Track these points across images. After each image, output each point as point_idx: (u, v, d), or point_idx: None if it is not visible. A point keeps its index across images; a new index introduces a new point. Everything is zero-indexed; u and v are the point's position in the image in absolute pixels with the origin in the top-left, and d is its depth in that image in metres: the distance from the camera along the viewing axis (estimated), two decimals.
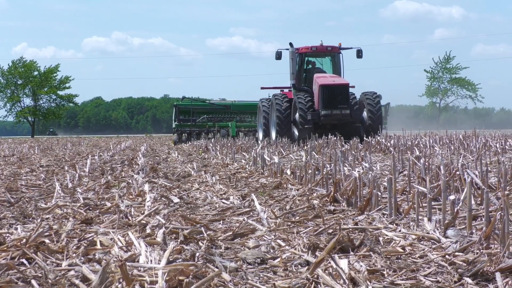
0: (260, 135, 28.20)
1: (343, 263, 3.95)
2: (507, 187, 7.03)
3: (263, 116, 27.37)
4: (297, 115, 25.30)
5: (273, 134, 26.31)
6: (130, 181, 9.69)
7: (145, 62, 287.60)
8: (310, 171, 8.81)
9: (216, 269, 4.01)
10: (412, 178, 8.03)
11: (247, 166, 12.73)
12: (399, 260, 4.30)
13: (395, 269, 4.08)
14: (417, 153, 12.66)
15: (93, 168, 12.65)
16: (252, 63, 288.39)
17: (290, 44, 26.46)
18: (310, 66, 27.64)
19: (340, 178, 7.40)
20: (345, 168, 8.93)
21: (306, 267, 4.14)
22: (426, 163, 8.85)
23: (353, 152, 13.49)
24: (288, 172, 10.07)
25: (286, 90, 27.94)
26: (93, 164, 13.57)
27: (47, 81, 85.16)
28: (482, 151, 14.46)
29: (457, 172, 7.61)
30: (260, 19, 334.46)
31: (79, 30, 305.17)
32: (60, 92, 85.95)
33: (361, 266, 4.08)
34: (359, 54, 27.37)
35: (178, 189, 9.04)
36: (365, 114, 25.70)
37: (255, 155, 13.09)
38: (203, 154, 19.70)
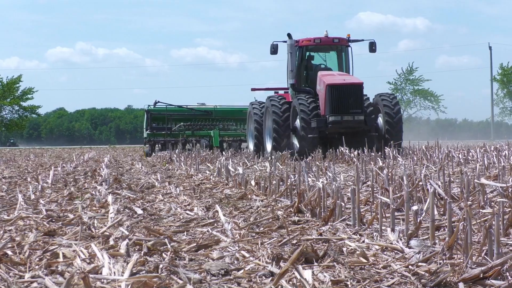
0: (251, 146, 24.46)
1: (307, 274, 3.95)
2: (470, 198, 7.09)
3: (255, 123, 23.25)
4: (297, 122, 21.24)
5: (268, 145, 22.42)
6: (93, 192, 9.62)
7: (110, 72, 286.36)
8: (274, 182, 8.83)
9: (180, 281, 4.00)
10: (375, 189, 8.07)
11: (211, 177, 12.71)
12: (363, 271, 4.31)
13: (359, 279, 4.09)
14: (380, 163, 12.73)
15: (56, 180, 12.54)
16: (218, 74, 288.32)
17: (289, 35, 22.27)
18: (312, 62, 23.33)
19: (304, 189, 7.42)
20: (309, 179, 8.95)
21: (270, 278, 4.14)
22: (389, 174, 8.90)
23: (317, 163, 13.53)
24: (253, 183, 10.07)
25: (281, 92, 23.80)
26: (56, 175, 13.46)
27: (10, 92, 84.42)
28: (445, 161, 14.58)
29: (420, 183, 7.67)
30: (225, 30, 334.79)
31: (43, 41, 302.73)
32: (23, 103, 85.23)
33: (325, 276, 4.08)
34: (372, 47, 23.16)
35: (141, 201, 9.00)
36: (380, 120, 21.54)
37: (219, 166, 13.08)
38: (167, 165, 19.64)
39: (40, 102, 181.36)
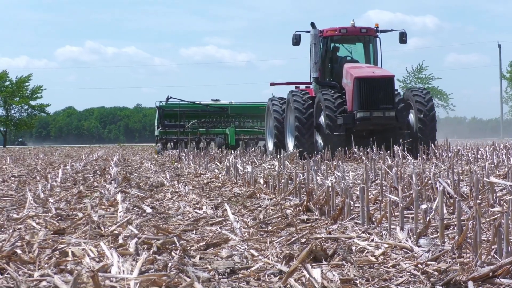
0: (270, 144, 22.95)
1: (316, 272, 3.95)
2: (479, 196, 7.08)
3: (275, 120, 21.91)
4: (322, 118, 19.83)
5: (290, 144, 21.08)
6: (102, 191, 9.64)
7: (118, 71, 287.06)
8: (283, 180, 8.82)
9: (188, 279, 4.00)
10: (384, 187, 8.06)
11: (220, 176, 12.72)
12: (372, 269, 4.31)
13: (368, 278, 4.09)
14: (389, 162, 12.70)
15: (65, 178, 12.57)
16: (227, 73, 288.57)
17: (312, 24, 20.67)
18: (337, 54, 21.75)
19: (313, 188, 7.41)
20: (318, 178, 8.95)
21: (279, 277, 4.14)
22: (398, 172, 8.89)
23: (326, 162, 13.52)
24: (261, 181, 10.07)
25: (302, 87, 22.34)
26: (65, 174, 13.49)
27: (19, 91, 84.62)
28: (454, 160, 14.55)
29: (429, 181, 7.65)
30: (233, 28, 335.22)
31: (52, 40, 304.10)
32: (32, 102, 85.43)
33: (334, 275, 4.08)
34: (403, 37, 21.59)
35: (150, 199, 9.01)
36: (411, 116, 20.03)
37: (228, 165, 13.09)
38: (175, 163, 19.66)
39: (49, 101, 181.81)
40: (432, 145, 18.38)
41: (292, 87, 22.40)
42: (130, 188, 10.44)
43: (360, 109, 19.04)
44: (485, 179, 7.48)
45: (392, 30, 21.82)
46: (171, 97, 31.42)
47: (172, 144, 30.01)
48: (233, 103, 31.56)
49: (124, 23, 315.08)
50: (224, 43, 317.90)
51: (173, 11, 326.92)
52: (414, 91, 20.16)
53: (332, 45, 21.51)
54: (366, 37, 21.40)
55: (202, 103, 31.67)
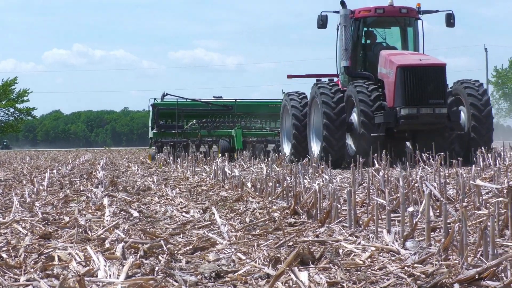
0: (287, 148, 19.26)
1: (303, 275, 3.95)
2: (465, 199, 7.10)
3: (293, 117, 18.08)
4: (354, 116, 16.49)
5: (315, 147, 17.26)
6: (89, 195, 9.62)
7: (106, 74, 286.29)
8: (270, 184, 8.82)
9: (175, 283, 4.00)
10: (371, 191, 8.07)
11: (207, 179, 12.71)
12: (359, 272, 4.31)
13: (355, 281, 4.09)
14: (376, 165, 12.73)
15: (52, 182, 12.53)
16: (216, 76, 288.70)
17: (342, 3, 17.20)
18: (370, 39, 18.09)
19: (300, 191, 7.42)
20: (305, 181, 8.96)
21: (266, 280, 4.14)
22: (385, 176, 8.91)
23: (314, 165, 13.52)
24: (249, 185, 10.07)
25: (324, 80, 18.44)
26: (52, 178, 13.45)
27: (5, 94, 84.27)
28: (441, 163, 14.57)
29: (416, 184, 7.67)
30: (222, 32, 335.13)
31: (40, 43, 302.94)
32: (18, 105, 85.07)
33: (321, 278, 4.09)
34: (450, 20, 17.80)
35: (138, 203, 8.99)
36: (463, 114, 16.76)
37: (215, 168, 13.08)
38: (163, 167, 19.63)
39: (36, 104, 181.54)
40: (486, 148, 15.31)
41: (313, 81, 18.47)
42: (117, 192, 10.42)
43: (404, 104, 15.59)
44: (471, 182, 7.51)
45: (437, 11, 18.16)
46: (167, 94, 27.08)
47: (168, 147, 25.70)
48: (238, 100, 27.39)
49: (113, 25, 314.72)
50: (213, 46, 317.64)
51: (162, 14, 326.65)
52: (464, 83, 17.00)
53: (364, 29, 17.88)
54: (406, 19, 17.77)
55: (203, 100, 27.68)
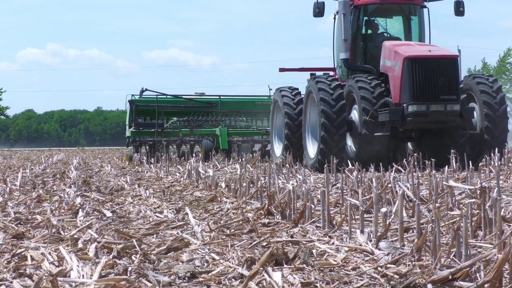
0: (278, 149, 17.62)
1: (277, 276, 3.96)
2: (438, 200, 7.14)
3: (286, 116, 16.45)
4: (354, 113, 15.04)
5: (311, 149, 15.65)
6: (62, 195, 9.56)
7: (80, 73, 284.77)
8: (244, 184, 8.82)
9: (149, 284, 3.98)
10: (345, 191, 8.09)
11: (181, 179, 12.68)
12: (333, 272, 4.32)
13: (328, 281, 4.10)
14: (350, 165, 12.76)
15: (24, 182, 12.44)
16: (190, 76, 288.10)
17: None
18: (371, 29, 16.57)
19: (274, 191, 7.42)
20: (279, 181, 8.96)
21: (240, 280, 4.13)
22: (359, 176, 8.93)
23: (287, 165, 13.55)
24: (223, 185, 10.06)
25: (320, 74, 16.45)
26: (24, 177, 13.35)
27: None
28: (414, 164, 14.61)
29: (389, 185, 7.71)
30: (197, 32, 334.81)
31: (13, 42, 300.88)
32: None
33: (294, 278, 4.09)
34: (459, 8, 16.33)
35: (111, 203, 8.95)
36: (475, 112, 15.16)
37: (189, 168, 13.05)
38: (136, 167, 19.56)
39: (9, 103, 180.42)
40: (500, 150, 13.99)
41: (306, 75, 16.96)
42: (90, 191, 10.37)
43: (412, 100, 14.09)
44: (444, 182, 7.55)
45: None
46: (146, 89, 25.20)
47: (147, 147, 23.68)
48: (222, 97, 25.84)
49: (87, 25, 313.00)
50: (188, 46, 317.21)
51: (137, 13, 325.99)
52: (477, 77, 15.44)
53: (365, 18, 16.35)
54: (411, 6, 16.23)
55: (185, 97, 25.99)
